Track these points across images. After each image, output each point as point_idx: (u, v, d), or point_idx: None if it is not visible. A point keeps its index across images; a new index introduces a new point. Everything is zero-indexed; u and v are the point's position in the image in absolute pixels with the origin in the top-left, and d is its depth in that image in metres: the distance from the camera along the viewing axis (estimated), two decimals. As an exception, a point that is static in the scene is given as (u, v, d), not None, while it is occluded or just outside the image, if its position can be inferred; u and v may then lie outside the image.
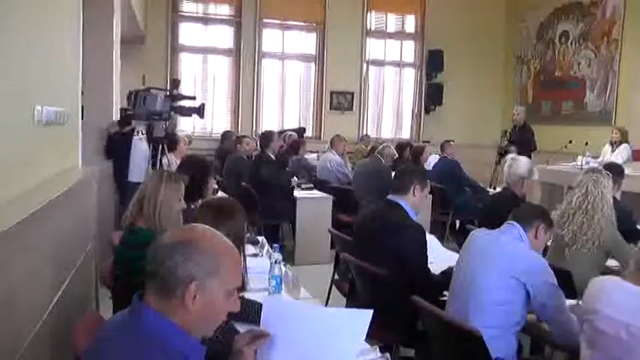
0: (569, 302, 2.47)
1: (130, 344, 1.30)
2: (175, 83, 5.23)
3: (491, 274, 2.39)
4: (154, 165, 4.70)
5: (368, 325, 1.51)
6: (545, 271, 2.42)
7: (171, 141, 5.25)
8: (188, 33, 9.60)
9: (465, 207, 6.35)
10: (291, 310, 1.62)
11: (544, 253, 3.38)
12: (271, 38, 10.02)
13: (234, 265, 1.40)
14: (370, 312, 1.51)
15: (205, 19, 9.66)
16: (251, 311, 2.11)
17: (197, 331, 1.37)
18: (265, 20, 9.82)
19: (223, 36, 9.79)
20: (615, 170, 4.17)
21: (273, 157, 6.18)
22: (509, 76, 11.17)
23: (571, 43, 9.84)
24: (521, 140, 8.15)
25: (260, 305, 1.56)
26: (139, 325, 1.32)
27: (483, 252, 2.49)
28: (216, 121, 9.72)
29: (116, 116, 5.13)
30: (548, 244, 3.29)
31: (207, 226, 1.46)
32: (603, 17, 9.20)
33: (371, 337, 2.91)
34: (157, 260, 1.34)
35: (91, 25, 4.03)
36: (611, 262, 3.37)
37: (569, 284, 2.76)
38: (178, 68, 9.50)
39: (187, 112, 5.12)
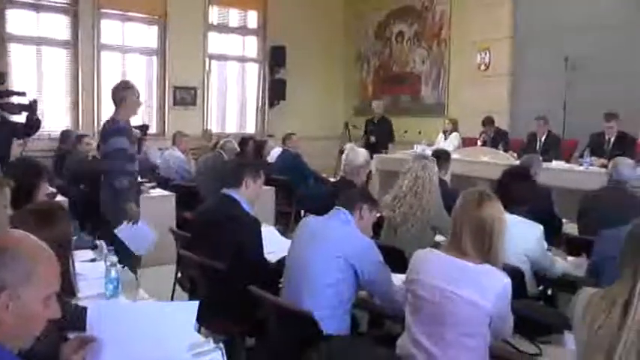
0: (402, 277, 2.67)
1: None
2: (0, 77, 4.73)
3: (321, 257, 2.51)
4: None
5: (195, 315, 1.53)
6: (371, 250, 2.58)
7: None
8: (18, 21, 8.59)
9: (308, 197, 6.52)
10: (116, 310, 1.59)
11: (378, 235, 3.65)
12: (111, 30, 9.43)
13: (50, 271, 1.34)
14: (196, 303, 1.53)
15: (37, 6, 8.70)
16: (76, 317, 2.02)
17: (13, 341, 1.29)
18: (104, 10, 9.18)
19: (58, 26, 8.97)
20: (442, 156, 4.62)
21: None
22: (350, 72, 11.69)
23: (406, 42, 10.59)
24: (381, 132, 8.66)
25: (84, 309, 1.51)
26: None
27: (313, 237, 2.60)
28: (54, 120, 8.90)
29: None
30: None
31: (21, 232, 1.38)
32: (433, 20, 10.05)
33: (213, 330, 2.95)
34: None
35: None
36: (440, 238, 3.71)
37: (401, 261, 2.99)
38: (7, 61, 8.45)
39: (16, 109, 4.66)
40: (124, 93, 4.21)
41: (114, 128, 4.19)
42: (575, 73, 7.47)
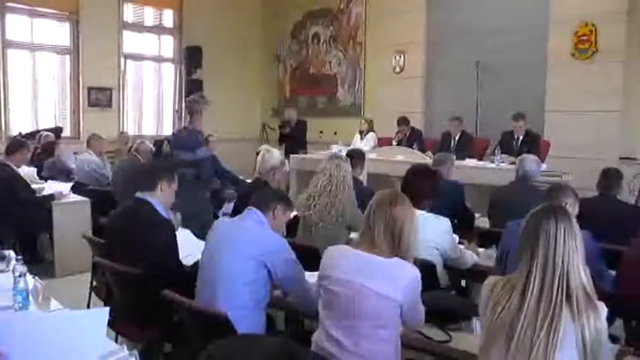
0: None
1: None
2: None
3: (235, 258, 2.53)
4: None
5: (106, 322, 1.51)
6: (282, 249, 2.63)
7: None
8: None
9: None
10: (21, 321, 1.54)
11: (293, 234, 3.69)
12: (18, 26, 8.94)
13: None
14: (106, 309, 1.51)
15: None
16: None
17: None
18: (9, 4, 8.68)
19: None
20: (356, 155, 4.73)
21: (15, 168, 5.54)
22: (268, 73, 11.75)
23: (323, 44, 10.75)
24: (295, 137, 8.73)
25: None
26: None
27: (226, 238, 2.62)
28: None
29: None
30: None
31: None
32: (348, 23, 10.27)
33: (130, 337, 2.89)
34: None
35: None
36: (355, 236, 3.79)
37: (316, 259, 3.04)
38: None
39: None
40: (199, 106, 5.02)
41: (201, 139, 5.21)
42: (485, 75, 7.83)
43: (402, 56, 9.14)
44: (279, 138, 9.01)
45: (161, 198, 3.02)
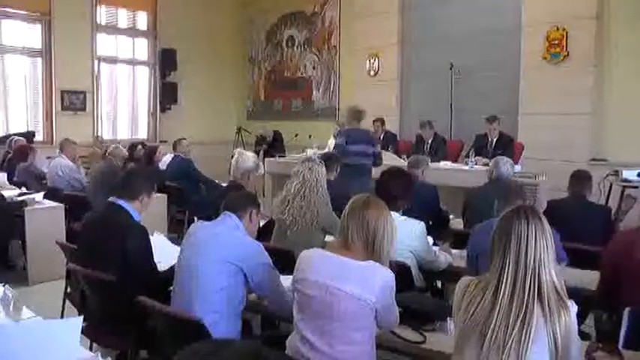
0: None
1: None
2: None
3: (211, 263, 2.52)
4: None
5: (79, 331, 1.49)
6: (258, 253, 2.63)
7: None
8: None
9: (201, 203, 6.38)
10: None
11: (267, 237, 3.69)
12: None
13: None
14: (80, 318, 1.49)
15: None
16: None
17: None
18: None
19: None
20: (330, 159, 4.73)
21: None
22: (242, 76, 11.74)
23: (297, 47, 10.78)
24: (274, 145, 8.76)
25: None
26: None
27: (202, 243, 2.60)
28: None
29: None
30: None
31: None
32: (323, 26, 10.32)
33: (106, 345, 2.86)
34: None
35: None
36: (330, 238, 3.80)
37: (291, 262, 3.04)
38: None
39: None
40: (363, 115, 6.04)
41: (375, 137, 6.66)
42: (459, 77, 7.91)
43: (377, 59, 9.19)
44: (257, 152, 9.06)
45: (139, 208, 3.00)
